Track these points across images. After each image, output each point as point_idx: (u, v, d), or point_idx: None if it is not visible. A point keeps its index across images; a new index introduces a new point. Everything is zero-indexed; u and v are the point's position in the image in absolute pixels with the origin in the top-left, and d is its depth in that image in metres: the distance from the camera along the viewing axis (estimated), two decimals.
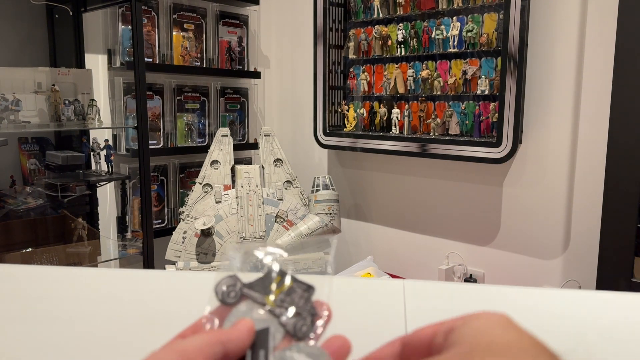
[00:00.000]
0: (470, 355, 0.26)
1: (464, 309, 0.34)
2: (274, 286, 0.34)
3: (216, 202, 2.04)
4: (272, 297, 0.33)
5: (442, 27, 2.03)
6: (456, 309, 0.42)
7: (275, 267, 0.35)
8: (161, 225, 2.43)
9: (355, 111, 2.33)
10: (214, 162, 2.12)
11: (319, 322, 0.32)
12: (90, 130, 2.16)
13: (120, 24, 2.23)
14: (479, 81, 1.95)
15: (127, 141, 2.27)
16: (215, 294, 0.33)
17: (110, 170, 2.10)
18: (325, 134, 2.38)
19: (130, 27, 2.11)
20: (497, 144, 1.86)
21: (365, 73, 2.29)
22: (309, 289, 0.34)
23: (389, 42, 2.20)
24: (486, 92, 1.94)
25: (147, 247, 2.02)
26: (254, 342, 0.31)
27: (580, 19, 1.77)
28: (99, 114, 2.02)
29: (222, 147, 2.14)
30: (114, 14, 2.23)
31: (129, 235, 2.26)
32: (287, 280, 0.34)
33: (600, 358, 0.48)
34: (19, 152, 2.18)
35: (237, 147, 2.47)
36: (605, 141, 1.52)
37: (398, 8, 2.16)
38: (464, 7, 1.97)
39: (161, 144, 2.40)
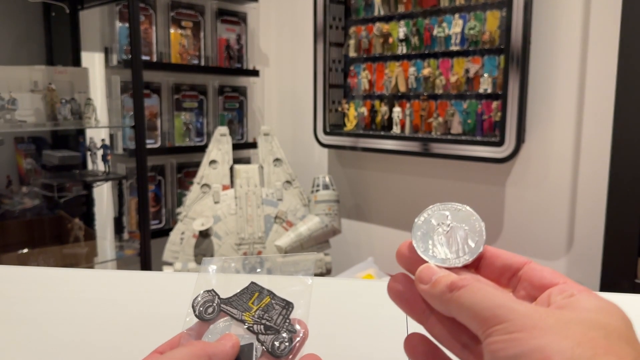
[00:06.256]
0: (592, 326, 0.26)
1: None
2: (252, 302, 0.33)
3: (214, 203, 2.01)
4: (250, 314, 0.33)
5: (444, 24, 2.01)
6: None
7: (254, 283, 0.35)
8: (158, 226, 2.41)
9: (356, 110, 2.30)
10: (213, 161, 2.10)
11: (296, 341, 0.32)
12: (87, 130, 2.14)
13: (117, 21, 2.21)
14: (481, 79, 1.93)
15: (124, 140, 2.25)
16: (193, 310, 0.33)
17: (107, 170, 2.08)
18: (326, 133, 2.35)
19: (127, 24, 2.09)
20: (500, 143, 1.84)
21: (366, 71, 2.27)
22: (288, 305, 0.33)
23: (390, 39, 2.18)
24: (489, 91, 1.92)
25: (144, 248, 2.01)
26: (238, 357, 0.31)
27: (584, 16, 1.75)
28: (95, 113, 2.01)
29: (220, 146, 2.12)
30: (111, 11, 2.21)
31: (125, 236, 2.24)
32: (266, 297, 0.34)
33: None
34: (15, 151, 2.16)
35: (235, 147, 2.44)
36: (609, 140, 1.50)
37: (399, 5, 2.13)
38: (466, 5, 1.95)
39: (159, 144, 2.37)
